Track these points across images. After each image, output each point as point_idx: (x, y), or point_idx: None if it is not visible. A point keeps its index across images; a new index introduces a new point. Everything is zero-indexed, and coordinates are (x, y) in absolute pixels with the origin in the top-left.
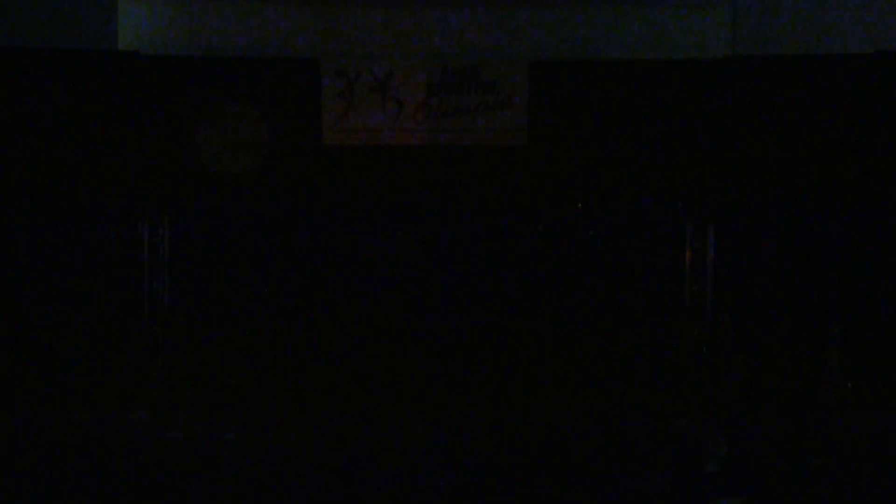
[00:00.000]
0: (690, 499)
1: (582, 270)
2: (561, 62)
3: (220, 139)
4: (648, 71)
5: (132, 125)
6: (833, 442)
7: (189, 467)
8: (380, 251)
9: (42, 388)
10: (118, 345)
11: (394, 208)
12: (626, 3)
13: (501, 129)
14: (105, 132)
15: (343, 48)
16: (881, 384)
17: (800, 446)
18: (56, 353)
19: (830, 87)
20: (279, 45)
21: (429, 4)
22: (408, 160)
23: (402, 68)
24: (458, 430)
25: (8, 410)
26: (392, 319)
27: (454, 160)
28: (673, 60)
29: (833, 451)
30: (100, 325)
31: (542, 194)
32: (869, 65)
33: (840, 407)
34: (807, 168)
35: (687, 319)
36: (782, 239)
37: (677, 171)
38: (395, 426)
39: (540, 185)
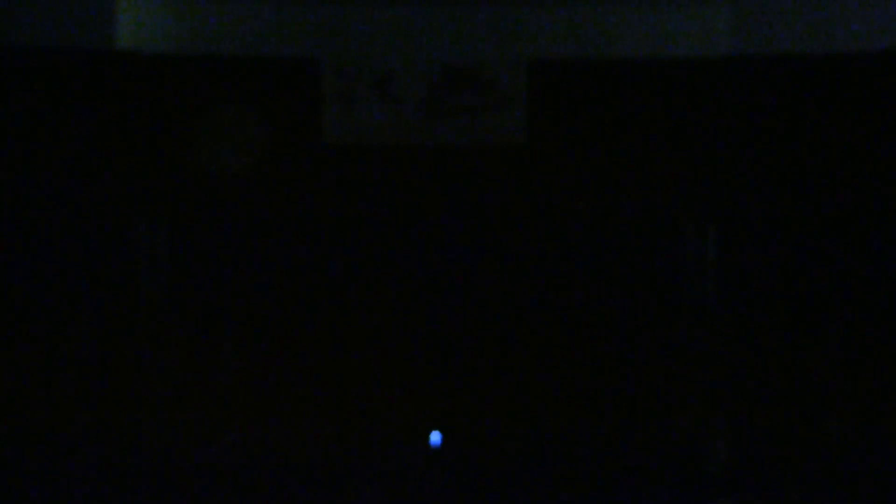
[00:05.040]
0: (690, 499)
1: (581, 270)
2: (561, 61)
3: (220, 139)
4: (648, 70)
5: (130, 125)
6: (833, 442)
7: (188, 468)
8: (379, 250)
9: (40, 390)
10: (116, 346)
11: (393, 207)
12: (626, 2)
13: (501, 128)
14: (102, 132)
15: (343, 48)
16: (882, 384)
17: (800, 446)
18: (53, 354)
19: (832, 86)
20: (279, 44)
21: (429, 4)
22: (408, 159)
23: (402, 68)
24: (456, 430)
25: (6, 414)
26: (391, 320)
27: (454, 160)
28: (673, 60)
29: (833, 451)
30: (97, 327)
31: (541, 193)
32: (872, 64)
33: (840, 407)
34: (808, 167)
35: (687, 319)
36: (783, 239)
37: (677, 170)
38: (394, 429)
39: (539, 184)
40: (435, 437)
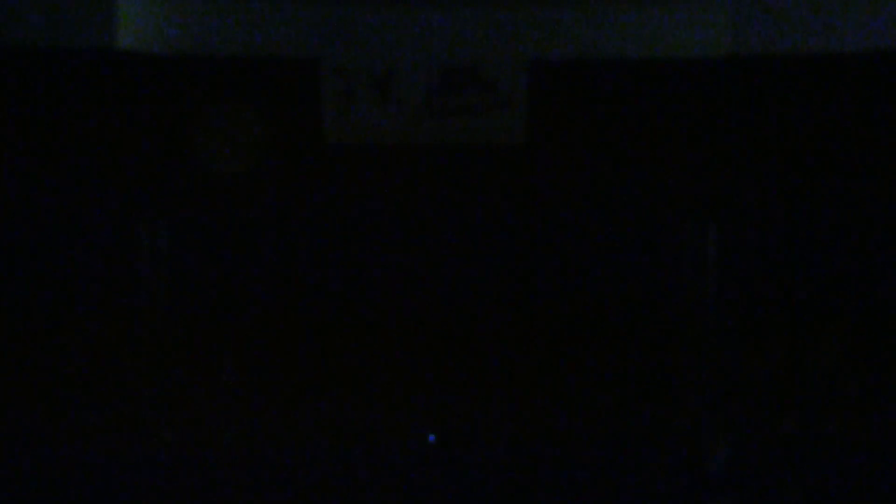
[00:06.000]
0: (690, 499)
1: (582, 270)
2: (561, 61)
3: (220, 139)
4: (648, 70)
5: (130, 125)
6: (834, 442)
7: (187, 468)
8: (379, 250)
9: (39, 391)
10: (116, 347)
11: (393, 207)
12: (626, 2)
13: (501, 128)
14: (103, 132)
15: (343, 48)
16: (882, 384)
17: (800, 447)
18: (53, 354)
19: (832, 86)
20: (279, 44)
21: (429, 4)
22: (408, 159)
23: (402, 68)
24: (456, 431)
25: (5, 413)
26: (391, 319)
27: (454, 160)
28: (673, 60)
29: (834, 451)
30: (97, 327)
31: (541, 193)
32: (871, 64)
33: (841, 407)
34: (808, 167)
35: (687, 319)
36: (783, 238)
37: (677, 170)
38: (393, 428)
39: (539, 184)
40: (431, 440)
